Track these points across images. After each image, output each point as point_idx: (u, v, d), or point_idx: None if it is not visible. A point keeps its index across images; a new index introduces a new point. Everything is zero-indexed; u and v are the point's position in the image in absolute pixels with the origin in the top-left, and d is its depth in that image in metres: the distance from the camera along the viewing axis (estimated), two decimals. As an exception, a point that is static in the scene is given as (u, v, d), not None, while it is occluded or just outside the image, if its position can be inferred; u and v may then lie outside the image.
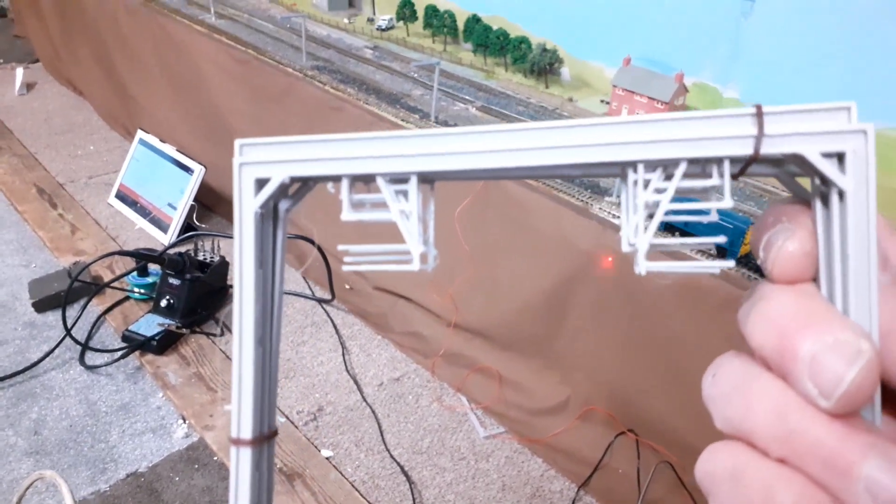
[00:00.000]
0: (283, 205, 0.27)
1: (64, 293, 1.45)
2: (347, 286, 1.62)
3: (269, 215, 0.26)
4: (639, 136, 0.21)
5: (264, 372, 0.26)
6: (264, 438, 0.27)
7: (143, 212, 1.87)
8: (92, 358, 1.41)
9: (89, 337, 1.45)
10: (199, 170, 1.77)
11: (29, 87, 2.67)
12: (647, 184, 0.22)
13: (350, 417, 1.30)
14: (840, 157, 0.20)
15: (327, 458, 1.21)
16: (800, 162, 0.21)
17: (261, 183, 0.25)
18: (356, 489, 1.15)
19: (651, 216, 0.23)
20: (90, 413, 1.29)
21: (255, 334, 0.26)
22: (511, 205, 1.27)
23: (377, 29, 1.98)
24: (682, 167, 0.22)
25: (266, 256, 0.26)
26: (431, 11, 1.84)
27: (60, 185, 2.03)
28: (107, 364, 1.39)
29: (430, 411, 1.32)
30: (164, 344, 1.42)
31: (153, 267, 1.54)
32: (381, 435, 1.26)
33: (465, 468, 1.21)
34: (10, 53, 2.99)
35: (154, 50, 2.12)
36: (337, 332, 1.50)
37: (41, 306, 1.53)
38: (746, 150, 0.21)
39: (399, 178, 0.24)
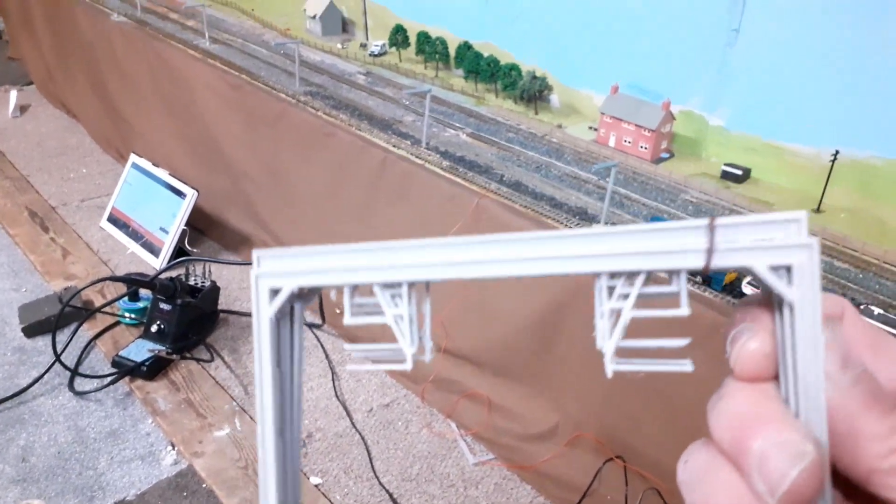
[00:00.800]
0: (298, 304, 0.29)
1: (54, 318, 1.45)
2: (338, 311, 1.62)
3: (285, 315, 0.28)
4: (601, 249, 0.23)
5: (286, 458, 0.28)
6: None
7: (136, 236, 1.88)
8: (81, 384, 1.40)
9: (79, 362, 1.45)
10: (191, 194, 1.78)
11: (23, 109, 2.68)
12: (612, 290, 0.24)
13: (339, 444, 1.29)
14: (789, 269, 0.21)
15: (316, 486, 1.21)
16: (750, 272, 0.22)
17: (275, 291, 0.27)
18: (345, 517, 1.15)
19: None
20: (78, 440, 1.29)
21: (276, 426, 0.28)
22: (501, 231, 1.28)
23: (370, 55, 2.00)
24: (642, 277, 0.23)
25: (283, 353, 0.28)
26: (423, 38, 1.86)
27: (53, 209, 2.04)
28: (96, 390, 1.39)
29: (419, 438, 1.32)
30: (154, 369, 1.42)
31: (144, 292, 1.54)
32: (371, 462, 1.25)
33: (455, 495, 1.20)
34: (4, 76, 3.00)
35: (148, 74, 2.13)
36: (327, 357, 1.50)
37: (31, 331, 1.52)
38: (699, 263, 0.22)
39: (394, 285, 0.26)
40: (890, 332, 0.25)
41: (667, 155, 1.44)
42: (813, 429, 0.21)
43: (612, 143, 1.46)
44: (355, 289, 0.27)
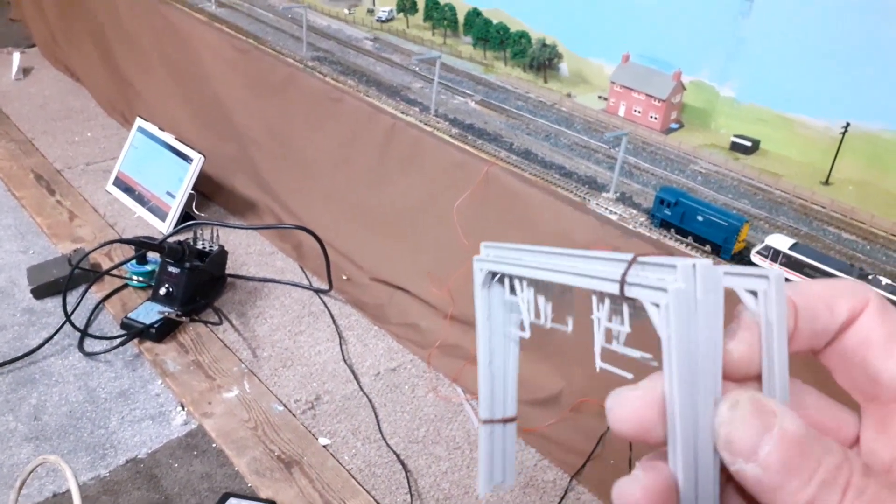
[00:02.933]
0: (499, 287, 0.36)
1: (64, 280, 1.46)
2: (345, 277, 1.63)
3: (494, 288, 0.35)
4: (572, 268, 0.28)
5: (494, 381, 0.36)
6: (497, 421, 0.36)
7: (142, 200, 1.88)
8: (91, 345, 1.42)
9: (88, 324, 1.46)
10: (198, 158, 1.77)
11: (25, 71, 2.66)
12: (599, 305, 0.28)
13: (347, 406, 1.31)
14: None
15: (325, 446, 1.23)
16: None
17: (480, 270, 0.35)
18: (353, 477, 1.17)
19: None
20: (89, 399, 1.30)
21: (486, 359, 0.35)
22: (510, 199, 1.29)
23: (377, 20, 1.98)
24: (595, 298, 0.27)
25: (493, 312, 0.36)
26: (432, 4, 1.84)
27: (58, 172, 2.03)
28: (106, 351, 1.40)
29: (425, 401, 1.34)
30: (163, 332, 1.43)
31: (152, 255, 1.55)
32: (378, 424, 1.27)
33: (460, 457, 1.23)
34: (7, 37, 2.97)
35: (153, 37, 2.12)
36: (334, 322, 1.52)
37: (40, 293, 1.53)
38: (615, 289, 0.25)
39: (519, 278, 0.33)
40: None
41: (676, 125, 1.44)
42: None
43: (621, 112, 1.46)
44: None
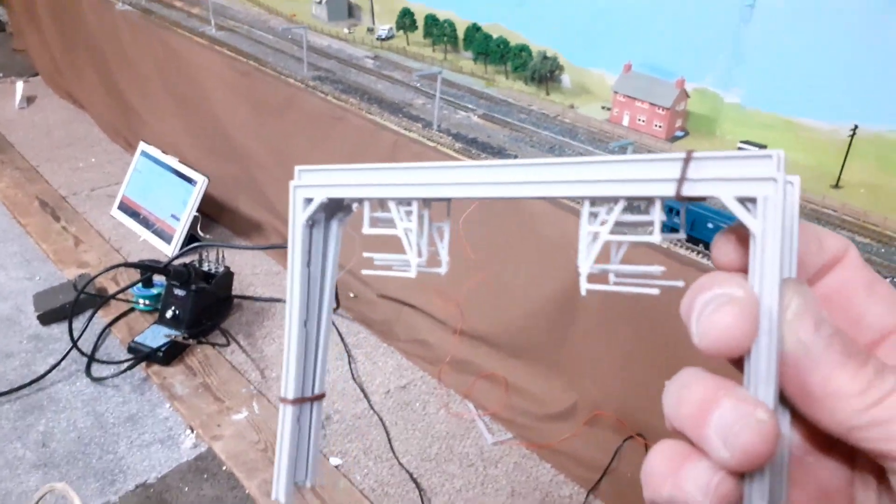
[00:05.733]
0: (340, 215, 0.33)
1: (70, 305, 1.45)
2: (352, 294, 1.62)
3: (318, 224, 0.32)
4: (583, 175, 0.24)
5: (308, 348, 0.32)
6: (305, 400, 0.32)
7: (146, 223, 1.88)
8: (98, 370, 1.40)
9: (95, 349, 1.45)
10: (201, 181, 1.77)
11: (29, 100, 2.67)
12: (596, 216, 0.25)
13: (358, 425, 1.30)
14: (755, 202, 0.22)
15: (336, 467, 1.21)
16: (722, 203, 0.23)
17: (308, 201, 0.31)
18: (366, 497, 1.15)
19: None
20: (98, 425, 1.29)
21: (300, 317, 0.31)
22: (516, 211, 1.28)
23: (377, 39, 1.99)
24: (621, 204, 0.24)
25: (314, 257, 0.32)
26: (431, 21, 1.85)
27: (63, 198, 2.04)
28: (113, 375, 1.39)
29: (437, 418, 1.32)
30: (171, 355, 1.42)
31: (158, 278, 1.54)
32: (390, 442, 1.26)
33: (474, 474, 1.21)
34: (10, 67, 2.99)
35: (154, 62, 2.13)
36: (342, 340, 1.50)
37: (46, 319, 1.53)
38: (670, 192, 0.22)
39: (406, 202, 0.29)
40: None
41: (682, 133, 1.43)
42: (768, 368, 0.22)
43: (625, 122, 1.46)
44: (373, 205, 0.30)
